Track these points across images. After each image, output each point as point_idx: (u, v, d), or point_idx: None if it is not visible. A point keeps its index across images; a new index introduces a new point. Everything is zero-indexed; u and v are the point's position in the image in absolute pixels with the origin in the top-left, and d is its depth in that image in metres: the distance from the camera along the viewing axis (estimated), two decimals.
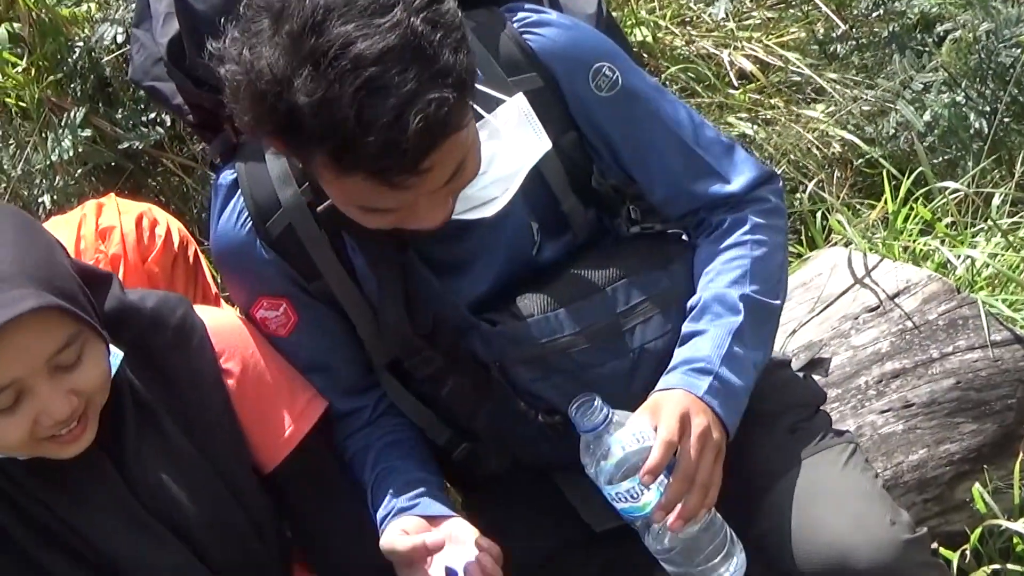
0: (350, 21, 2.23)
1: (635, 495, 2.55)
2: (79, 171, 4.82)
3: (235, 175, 2.75)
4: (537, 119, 2.68)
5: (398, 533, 2.61)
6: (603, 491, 2.58)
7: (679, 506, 2.54)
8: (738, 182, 2.85)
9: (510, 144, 2.64)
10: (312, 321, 2.79)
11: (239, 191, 2.73)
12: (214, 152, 2.94)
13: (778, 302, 2.84)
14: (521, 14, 2.77)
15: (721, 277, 2.79)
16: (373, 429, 2.88)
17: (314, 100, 2.21)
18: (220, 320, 2.78)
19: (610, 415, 2.53)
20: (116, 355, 2.54)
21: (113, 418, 2.57)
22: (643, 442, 2.54)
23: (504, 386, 2.77)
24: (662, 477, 2.54)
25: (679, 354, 2.73)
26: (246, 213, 2.72)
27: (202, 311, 2.76)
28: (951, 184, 4.37)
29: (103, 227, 3.02)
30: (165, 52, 2.86)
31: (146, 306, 2.66)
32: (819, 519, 2.66)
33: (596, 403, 2.52)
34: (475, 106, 2.54)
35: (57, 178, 4.76)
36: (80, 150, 4.74)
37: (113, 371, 2.52)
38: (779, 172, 4.64)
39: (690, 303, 2.80)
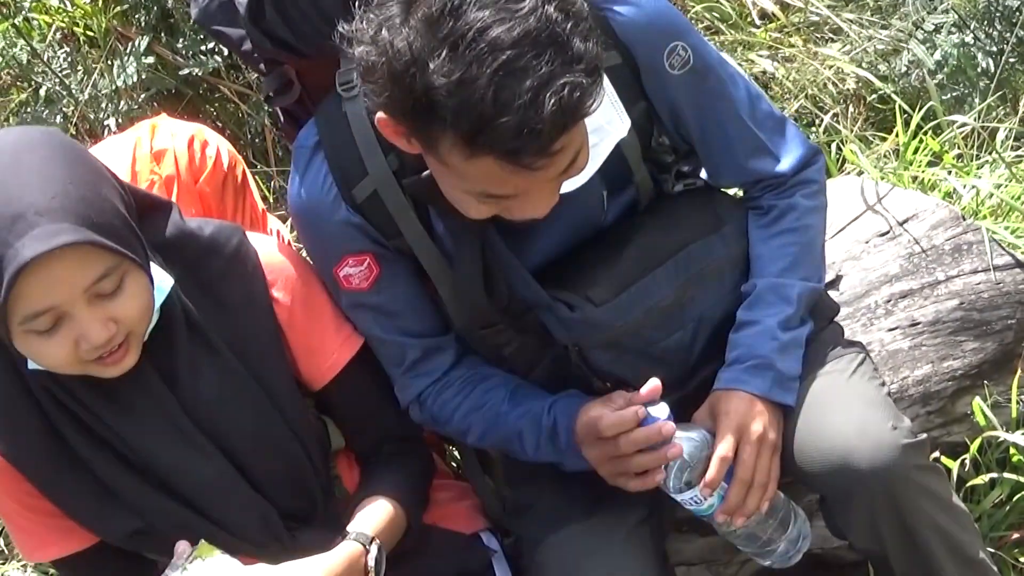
0: (486, 7, 2.19)
1: (698, 501, 2.65)
2: (142, 96, 4.85)
3: (317, 138, 2.69)
4: (618, 98, 2.67)
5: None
6: (669, 494, 2.65)
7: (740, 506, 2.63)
8: (787, 161, 2.85)
9: (591, 121, 2.56)
10: (393, 274, 2.76)
11: (321, 154, 2.68)
12: (268, 86, 2.94)
13: (823, 284, 2.88)
14: None
15: (773, 264, 2.81)
16: (467, 363, 2.88)
17: (452, 81, 2.18)
18: (272, 250, 2.79)
19: (674, 431, 2.58)
20: (166, 281, 2.56)
21: (164, 337, 2.59)
22: (703, 450, 2.63)
23: (582, 367, 2.78)
24: (722, 483, 2.62)
25: (735, 345, 2.77)
26: (330, 177, 2.68)
27: (255, 240, 2.77)
28: (959, 118, 4.36)
29: (157, 149, 3.04)
30: (245, 11, 2.76)
31: (204, 233, 2.68)
32: (825, 423, 2.68)
33: (662, 413, 2.58)
34: None
35: (122, 102, 4.79)
36: (143, 76, 4.78)
37: (161, 299, 2.54)
38: (797, 106, 4.69)
39: (744, 288, 2.82)
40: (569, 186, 2.59)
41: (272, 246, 2.81)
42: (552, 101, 2.19)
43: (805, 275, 2.82)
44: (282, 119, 3.02)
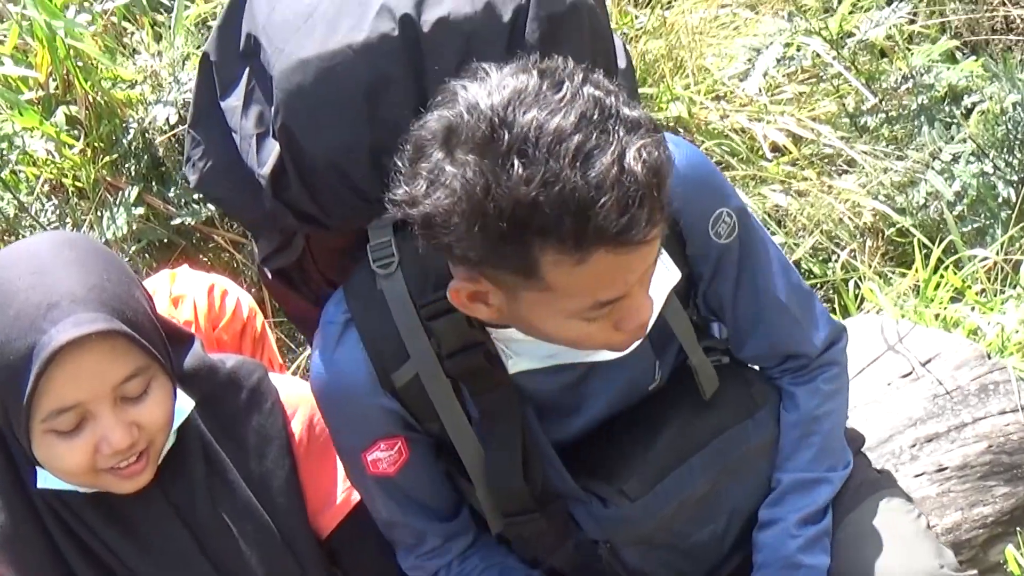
0: (530, 108, 2.15)
1: None
2: (133, 248, 4.85)
3: (348, 315, 2.60)
4: (664, 253, 2.56)
5: None
6: None
7: None
8: (815, 340, 2.82)
9: None
10: (421, 458, 2.69)
11: (354, 333, 2.59)
12: (265, 248, 2.82)
13: (845, 471, 2.83)
14: None
15: (796, 458, 2.79)
16: (483, 548, 2.83)
17: (536, 183, 2.12)
18: (292, 386, 2.81)
19: None
20: (187, 403, 2.58)
21: (180, 463, 2.60)
22: None
23: (613, 565, 2.75)
24: None
25: (760, 547, 2.76)
26: (366, 359, 2.59)
27: (276, 379, 2.78)
28: (980, 252, 4.36)
29: (175, 295, 3.06)
30: (269, 186, 2.62)
31: (225, 366, 2.69)
32: (869, 559, 2.66)
33: None
34: None
35: None
36: (134, 227, 4.78)
37: (182, 418, 2.55)
38: (812, 242, 4.68)
39: (772, 484, 2.80)
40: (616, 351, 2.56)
41: (293, 382, 2.83)
42: (639, 165, 2.14)
43: (830, 465, 2.80)
44: (270, 277, 2.93)
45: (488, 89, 2.19)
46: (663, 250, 2.53)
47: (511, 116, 2.15)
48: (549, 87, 2.18)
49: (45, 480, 2.52)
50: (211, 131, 2.70)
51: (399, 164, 2.29)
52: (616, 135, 2.15)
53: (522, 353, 2.55)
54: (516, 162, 2.12)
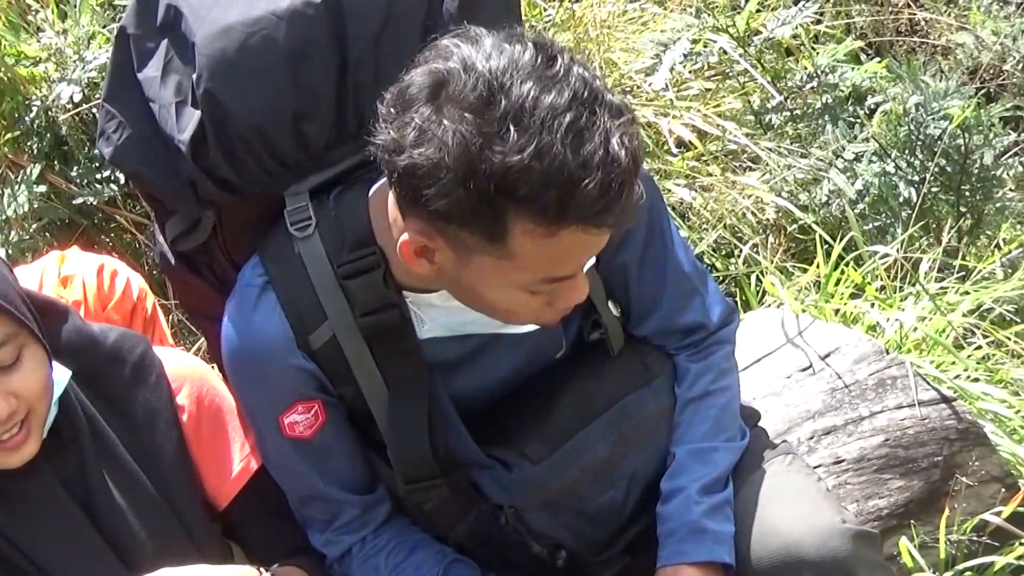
0: (527, 79, 2.20)
1: None
2: (34, 226, 4.80)
3: (265, 278, 2.63)
4: None
5: None
6: None
7: None
8: (712, 315, 2.88)
9: None
10: (337, 424, 2.71)
11: (272, 296, 2.62)
12: (174, 229, 2.79)
13: (742, 442, 2.87)
14: None
15: (693, 431, 2.82)
16: (396, 524, 2.85)
17: (529, 153, 2.17)
18: (178, 360, 2.79)
19: None
20: (63, 374, 2.56)
21: (67, 437, 2.58)
22: None
23: (518, 529, 2.77)
24: None
25: (665, 518, 2.77)
26: (284, 321, 2.61)
27: (161, 351, 2.77)
28: (881, 248, 4.43)
29: (65, 275, 3.03)
30: (189, 151, 2.62)
31: (106, 341, 2.67)
32: (772, 522, 2.70)
33: None
34: None
35: (12, 232, 4.74)
36: (35, 206, 4.73)
37: (60, 389, 2.53)
38: (715, 236, 4.73)
39: (667, 460, 2.83)
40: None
41: (178, 356, 2.82)
42: (622, 151, 2.21)
43: (727, 436, 2.84)
44: (172, 262, 2.89)
45: (484, 52, 2.25)
46: None
47: (508, 83, 2.21)
48: (543, 61, 2.24)
49: None
50: (127, 103, 2.71)
51: (381, 110, 2.33)
52: (602, 118, 2.22)
53: (435, 319, 2.59)
54: (512, 129, 2.18)
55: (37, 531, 2.58)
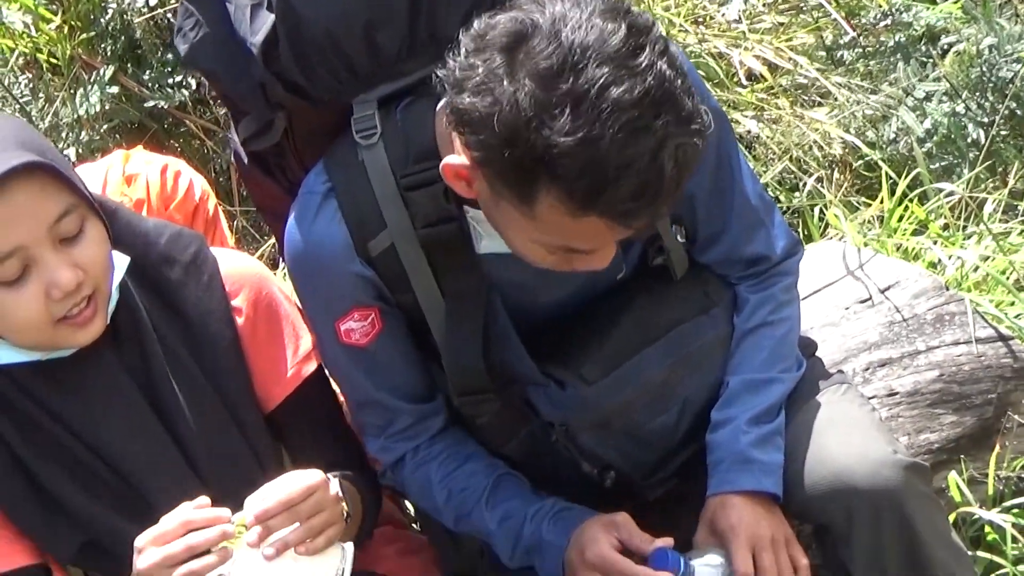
0: (606, 63, 2.19)
1: None
2: (104, 127, 4.86)
3: (329, 185, 2.65)
4: None
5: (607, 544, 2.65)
6: None
7: None
8: (776, 246, 2.89)
9: None
10: (392, 331, 2.74)
11: (333, 202, 2.64)
12: (247, 129, 2.85)
13: (798, 372, 2.88)
14: None
15: (747, 361, 2.84)
16: (451, 434, 2.88)
17: (575, 139, 2.18)
18: (236, 262, 2.81)
19: (689, 568, 2.62)
20: (122, 260, 2.59)
21: (126, 328, 2.61)
22: (723, 571, 2.66)
23: (570, 448, 2.80)
24: None
25: (713, 447, 2.79)
26: (344, 226, 2.64)
27: (219, 252, 2.78)
28: (946, 185, 4.41)
29: (129, 174, 3.07)
30: (261, 53, 2.66)
31: (159, 240, 2.69)
32: (823, 451, 2.71)
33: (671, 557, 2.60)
34: None
35: (83, 133, 4.80)
36: (107, 107, 4.79)
37: (119, 275, 2.57)
38: (781, 168, 4.72)
39: (720, 390, 2.85)
40: None
41: (235, 257, 2.83)
42: (671, 164, 2.22)
43: (783, 367, 2.85)
44: (246, 161, 2.95)
45: (576, 20, 2.24)
46: None
47: (583, 63, 2.20)
48: (630, 49, 2.22)
49: (3, 335, 2.53)
50: (205, 3, 2.76)
51: (460, 39, 2.36)
52: (665, 123, 2.21)
53: (493, 235, 2.59)
54: (568, 111, 2.19)
55: (100, 419, 2.62)
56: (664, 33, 2.32)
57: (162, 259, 2.69)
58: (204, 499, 2.47)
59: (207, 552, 2.40)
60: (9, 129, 2.42)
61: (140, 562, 2.44)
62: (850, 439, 2.72)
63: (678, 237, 2.82)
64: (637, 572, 2.59)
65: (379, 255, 2.65)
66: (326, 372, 2.87)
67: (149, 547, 2.43)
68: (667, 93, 2.22)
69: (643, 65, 2.21)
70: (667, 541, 2.62)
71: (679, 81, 2.25)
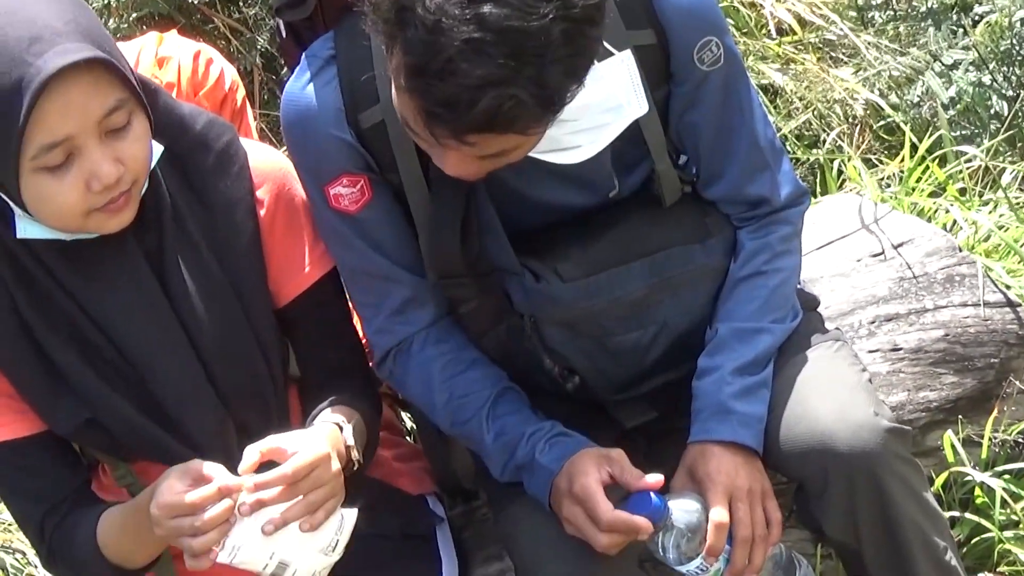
0: None
1: (704, 569, 2.68)
2: (133, 16, 4.85)
3: (333, 52, 2.69)
4: (640, 80, 2.67)
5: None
6: (672, 568, 2.68)
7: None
8: (780, 191, 2.87)
9: (607, 98, 2.63)
10: (382, 202, 2.75)
11: (334, 68, 2.69)
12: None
13: (791, 323, 2.88)
14: None
15: (739, 309, 2.83)
16: (449, 328, 2.88)
17: (429, 18, 2.19)
18: (263, 155, 2.81)
19: (667, 510, 2.62)
20: (157, 148, 2.59)
21: (150, 213, 2.62)
22: (698, 517, 2.65)
23: (534, 341, 2.80)
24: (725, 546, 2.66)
25: (697, 394, 2.79)
26: (339, 93, 2.68)
27: (248, 144, 2.79)
28: (968, 149, 4.42)
29: (162, 56, 3.06)
30: None
31: (195, 125, 2.69)
32: (805, 407, 2.72)
33: (653, 499, 2.60)
34: None
35: (111, 19, 4.79)
36: None
37: (154, 162, 2.57)
38: (803, 120, 4.72)
39: (707, 335, 2.84)
40: (571, 158, 2.65)
41: (264, 151, 2.83)
42: (487, 103, 2.21)
43: (775, 318, 2.84)
44: (284, 34, 3.03)
45: None
46: (640, 79, 2.66)
47: None
48: None
49: (25, 230, 2.54)
50: None
51: None
52: (512, 70, 2.21)
53: None
54: None
55: (113, 302, 2.63)
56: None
57: (196, 145, 2.69)
58: (216, 467, 2.51)
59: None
60: (71, 11, 2.41)
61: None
62: (833, 398, 2.72)
63: (677, 163, 2.84)
64: (612, 516, 2.58)
65: (368, 128, 2.68)
66: (339, 276, 2.88)
67: (163, 519, 2.47)
68: (539, 48, 2.21)
69: (538, 12, 2.20)
70: (657, 480, 2.62)
71: (563, 51, 2.24)
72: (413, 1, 2.21)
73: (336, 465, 2.53)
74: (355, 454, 2.65)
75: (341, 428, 2.66)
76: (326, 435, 2.58)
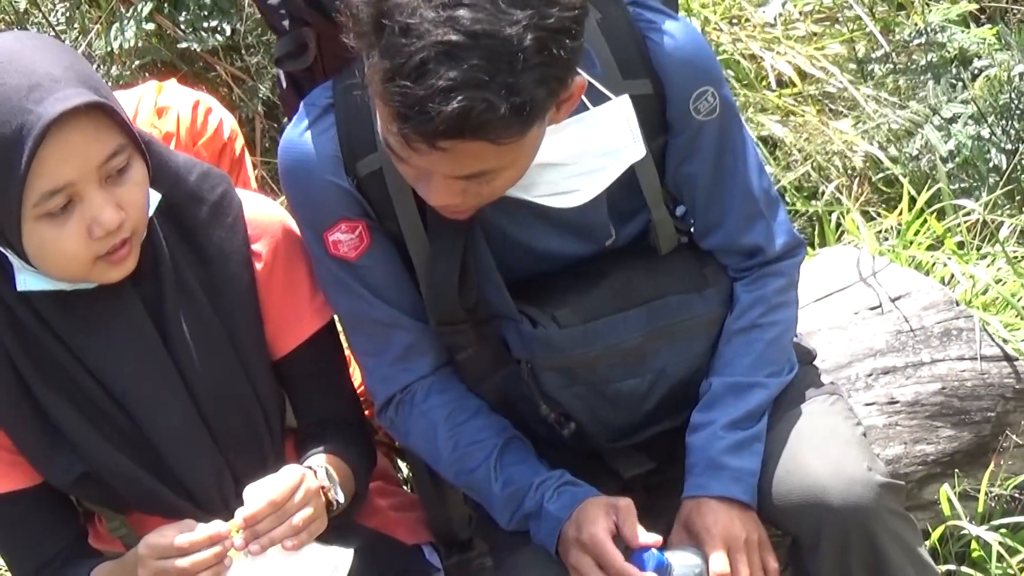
0: None
1: None
2: (136, 64, 4.87)
3: (331, 100, 2.71)
4: (638, 126, 2.68)
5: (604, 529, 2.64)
6: None
7: None
8: (776, 242, 2.88)
9: (605, 142, 2.65)
10: (382, 249, 2.76)
11: (332, 117, 2.70)
12: (282, 48, 2.95)
13: (787, 377, 2.87)
14: (647, 15, 2.72)
15: (734, 363, 2.83)
16: (451, 378, 2.88)
17: (403, 22, 2.22)
18: (260, 206, 2.82)
19: (670, 567, 2.62)
20: (155, 195, 2.59)
21: (147, 263, 2.62)
22: (699, 571, 2.66)
23: (531, 386, 2.80)
24: None
25: (690, 450, 2.79)
26: (337, 142, 2.69)
27: (245, 195, 2.79)
28: (966, 203, 4.42)
29: (161, 105, 3.07)
30: None
31: (189, 176, 2.70)
32: (799, 461, 2.71)
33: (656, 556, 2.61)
34: (583, 97, 2.56)
35: (114, 67, 4.82)
36: (140, 44, 4.79)
37: (151, 209, 2.57)
38: (802, 172, 4.73)
39: (701, 388, 2.84)
40: (567, 202, 2.67)
41: (259, 202, 2.84)
42: (458, 106, 2.22)
43: (770, 371, 2.84)
44: (284, 85, 3.04)
45: None
46: (637, 124, 2.67)
47: None
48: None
49: (25, 282, 2.54)
50: None
51: None
52: (485, 73, 2.22)
53: None
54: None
55: (111, 354, 2.64)
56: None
57: (190, 196, 2.70)
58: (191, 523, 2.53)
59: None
60: (67, 59, 2.43)
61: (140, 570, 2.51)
62: (827, 452, 2.72)
63: (674, 214, 2.85)
64: (622, 568, 2.58)
65: (367, 176, 2.69)
66: (337, 327, 2.89)
67: (148, 559, 2.48)
68: (511, 54, 2.23)
69: (512, 19, 2.22)
70: (655, 540, 2.62)
71: (536, 60, 2.25)
72: (391, 8, 2.23)
73: (315, 483, 2.56)
74: (332, 495, 2.65)
75: (315, 472, 2.66)
76: (298, 468, 2.60)
